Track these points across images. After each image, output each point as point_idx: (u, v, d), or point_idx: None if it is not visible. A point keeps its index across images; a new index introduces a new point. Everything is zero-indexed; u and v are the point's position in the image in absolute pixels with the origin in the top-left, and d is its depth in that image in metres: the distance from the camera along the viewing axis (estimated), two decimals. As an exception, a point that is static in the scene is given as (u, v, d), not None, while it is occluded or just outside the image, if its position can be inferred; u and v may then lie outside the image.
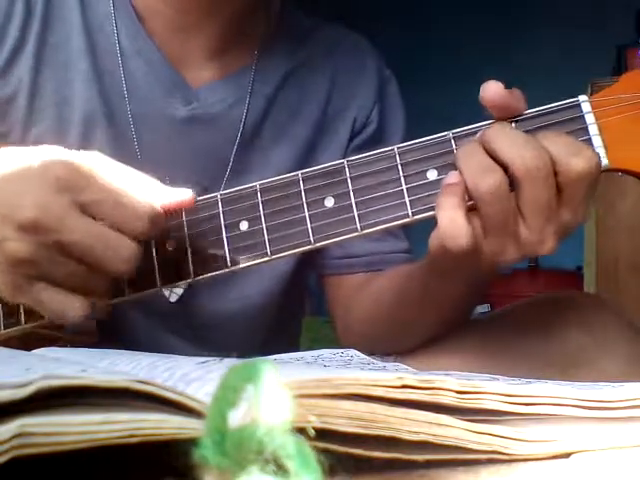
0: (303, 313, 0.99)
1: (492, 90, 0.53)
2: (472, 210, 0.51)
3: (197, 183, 0.74)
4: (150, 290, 0.56)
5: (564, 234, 0.52)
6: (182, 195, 0.54)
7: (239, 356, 0.36)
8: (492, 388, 0.35)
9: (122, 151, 0.74)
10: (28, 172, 0.49)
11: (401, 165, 0.55)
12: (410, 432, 0.31)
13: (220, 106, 0.77)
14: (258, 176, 0.60)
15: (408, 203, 0.54)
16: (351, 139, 0.82)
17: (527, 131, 0.53)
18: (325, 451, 0.25)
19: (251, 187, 0.57)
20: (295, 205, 0.56)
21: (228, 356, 0.51)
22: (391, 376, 0.32)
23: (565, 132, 0.53)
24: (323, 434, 0.28)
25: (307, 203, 0.55)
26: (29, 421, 0.24)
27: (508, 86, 0.56)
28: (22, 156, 0.51)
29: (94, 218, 0.49)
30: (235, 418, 0.24)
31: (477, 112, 0.55)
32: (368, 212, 0.55)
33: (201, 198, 0.57)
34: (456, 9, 3.24)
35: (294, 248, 0.55)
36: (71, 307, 0.51)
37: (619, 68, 2.25)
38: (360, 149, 0.79)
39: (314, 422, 0.27)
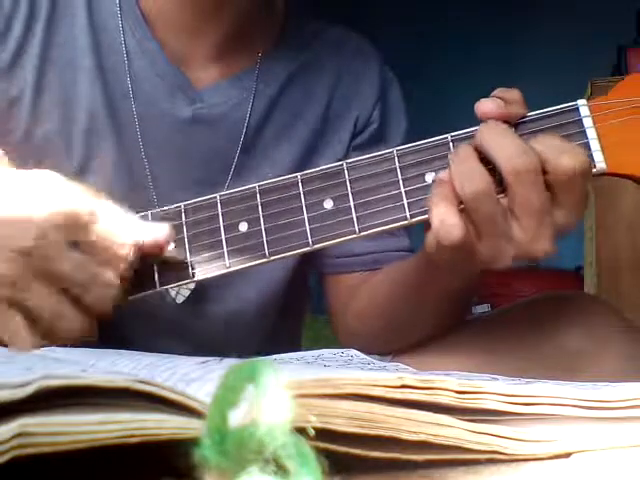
0: (305, 313, 0.98)
1: (487, 107, 0.54)
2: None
3: (200, 183, 0.75)
4: (149, 291, 0.56)
5: (559, 234, 0.52)
6: (158, 232, 0.55)
7: (239, 356, 0.36)
8: (492, 388, 0.35)
9: (126, 150, 0.74)
10: (33, 205, 0.49)
11: (400, 168, 0.55)
12: (410, 432, 0.31)
13: (224, 107, 0.77)
14: (261, 176, 0.60)
15: (406, 206, 0.54)
16: (352, 138, 0.82)
17: (525, 134, 0.53)
18: (325, 451, 0.25)
19: (250, 188, 0.57)
20: (294, 207, 0.56)
21: (228, 356, 0.51)
22: (391, 376, 0.32)
23: (562, 136, 0.53)
24: (323, 434, 0.28)
25: (306, 205, 0.55)
26: (29, 421, 0.24)
27: (508, 86, 0.56)
28: (26, 184, 0.51)
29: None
30: (235, 418, 0.24)
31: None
32: (367, 214, 0.55)
33: (201, 199, 0.57)
34: (456, 9, 3.24)
35: (292, 250, 0.55)
36: (24, 343, 0.50)
37: (619, 68, 2.25)
38: (361, 149, 0.80)
39: (314, 422, 0.27)
